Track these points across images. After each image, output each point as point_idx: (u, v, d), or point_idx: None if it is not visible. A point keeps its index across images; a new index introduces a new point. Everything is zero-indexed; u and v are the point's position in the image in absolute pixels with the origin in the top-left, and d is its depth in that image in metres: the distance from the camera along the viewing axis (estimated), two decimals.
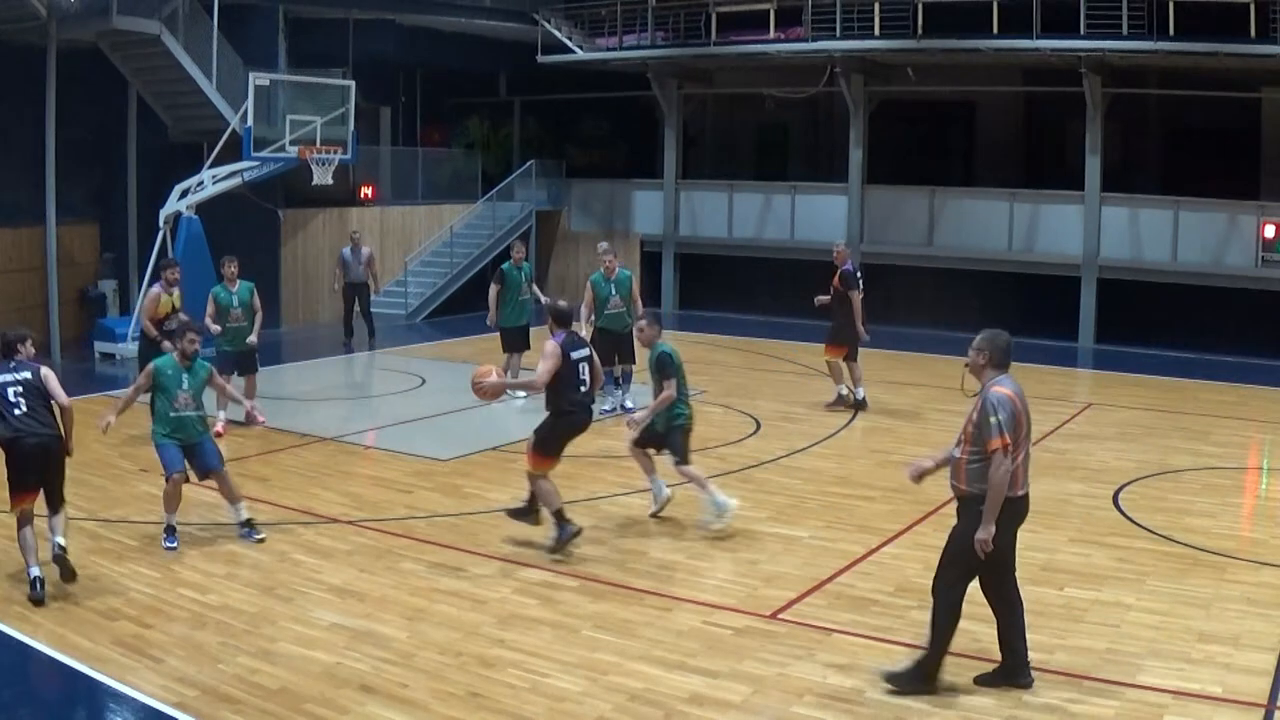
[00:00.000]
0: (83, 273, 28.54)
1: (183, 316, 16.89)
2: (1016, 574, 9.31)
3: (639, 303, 19.77)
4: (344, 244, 27.50)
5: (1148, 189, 28.63)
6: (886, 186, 31.56)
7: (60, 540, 11.46)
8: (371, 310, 27.22)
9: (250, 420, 14.72)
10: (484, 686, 9.37)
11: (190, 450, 13.02)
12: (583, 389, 12.95)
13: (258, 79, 25.08)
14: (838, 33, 29.41)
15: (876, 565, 12.31)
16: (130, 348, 24.38)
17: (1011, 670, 9.29)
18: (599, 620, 10.79)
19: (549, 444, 12.84)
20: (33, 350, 12.03)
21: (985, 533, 8.86)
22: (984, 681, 9.29)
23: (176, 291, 18.17)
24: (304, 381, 23.27)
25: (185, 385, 13.01)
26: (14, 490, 11.52)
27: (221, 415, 18.12)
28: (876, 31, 29.00)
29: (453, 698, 9.17)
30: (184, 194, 25.19)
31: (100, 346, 25.46)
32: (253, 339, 18.51)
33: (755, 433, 18.62)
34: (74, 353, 25.68)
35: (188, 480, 13.01)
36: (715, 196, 34.28)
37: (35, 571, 11.25)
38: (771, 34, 30.75)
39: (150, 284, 20.09)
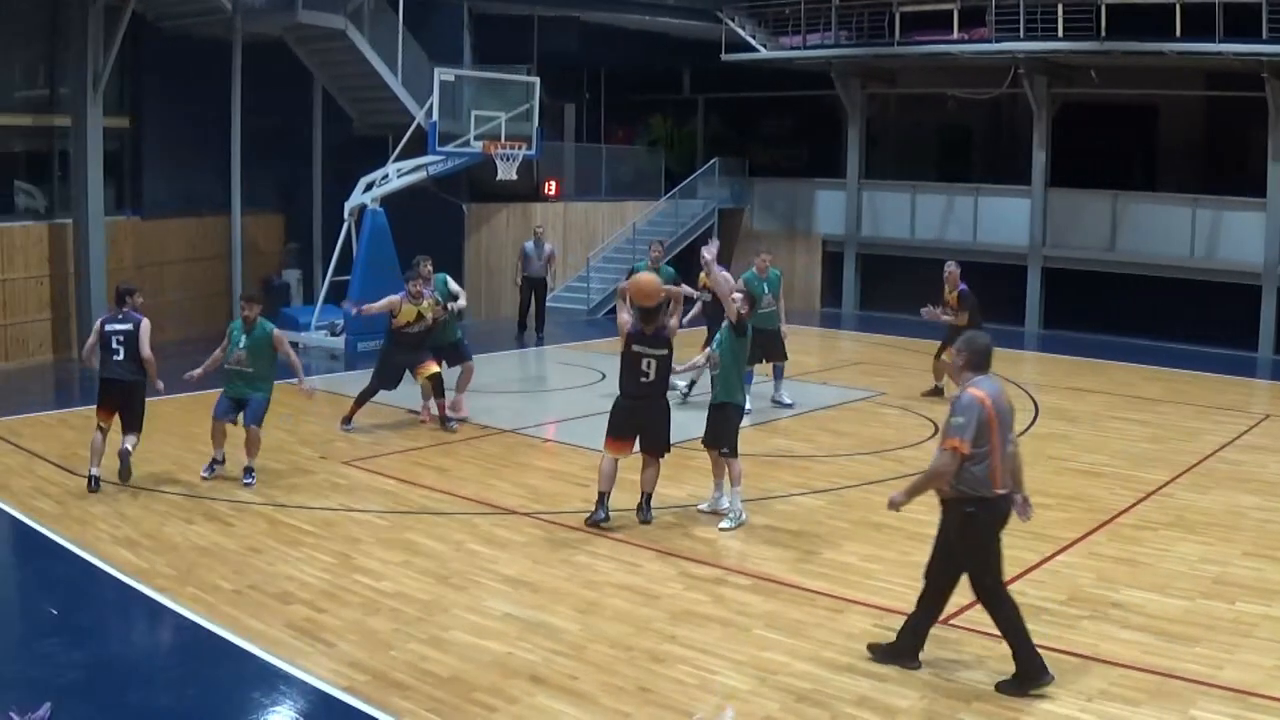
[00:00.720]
0: (267, 262, 29.08)
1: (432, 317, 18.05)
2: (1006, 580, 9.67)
3: (782, 302, 19.84)
4: (527, 238, 27.66)
5: None
6: (1069, 190, 30.96)
7: (129, 445, 14.28)
8: (546, 306, 27.37)
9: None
10: (653, 682, 9.29)
11: (241, 404, 14.82)
12: (643, 379, 13.41)
13: (443, 74, 25.22)
14: (1021, 33, 28.92)
15: (1049, 574, 12.00)
16: (313, 337, 24.81)
17: (902, 651, 9.66)
18: (770, 619, 10.66)
19: (610, 426, 13.58)
20: (140, 300, 14.76)
21: (901, 495, 9.57)
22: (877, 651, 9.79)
23: (426, 300, 17.92)
24: (484, 374, 23.31)
25: (241, 345, 14.77)
26: (98, 409, 14.41)
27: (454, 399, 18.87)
28: (1060, 33, 28.46)
29: (622, 692, 9.10)
30: (369, 187, 25.45)
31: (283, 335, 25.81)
32: (459, 305, 19.00)
33: (933, 436, 18.31)
34: None
35: (234, 423, 14.87)
36: (898, 197, 33.94)
37: (94, 472, 14.24)
38: (955, 34, 30.38)
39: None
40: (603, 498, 13.33)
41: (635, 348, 13.32)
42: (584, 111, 37.28)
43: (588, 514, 13.38)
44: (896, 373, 23.92)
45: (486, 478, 15.43)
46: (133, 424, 14.40)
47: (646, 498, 13.69)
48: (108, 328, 14.26)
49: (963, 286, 20.51)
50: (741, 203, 36.43)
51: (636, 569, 11.99)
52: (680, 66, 38.86)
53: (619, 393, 13.58)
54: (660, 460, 13.70)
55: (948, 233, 32.73)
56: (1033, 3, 28.62)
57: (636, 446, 13.62)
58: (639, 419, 13.49)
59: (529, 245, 26.69)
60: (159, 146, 26.29)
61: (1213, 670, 9.51)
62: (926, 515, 13.79)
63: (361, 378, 18.89)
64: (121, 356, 14.17)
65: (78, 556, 12.10)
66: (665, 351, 13.40)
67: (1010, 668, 9.23)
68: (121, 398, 14.28)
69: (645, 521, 13.49)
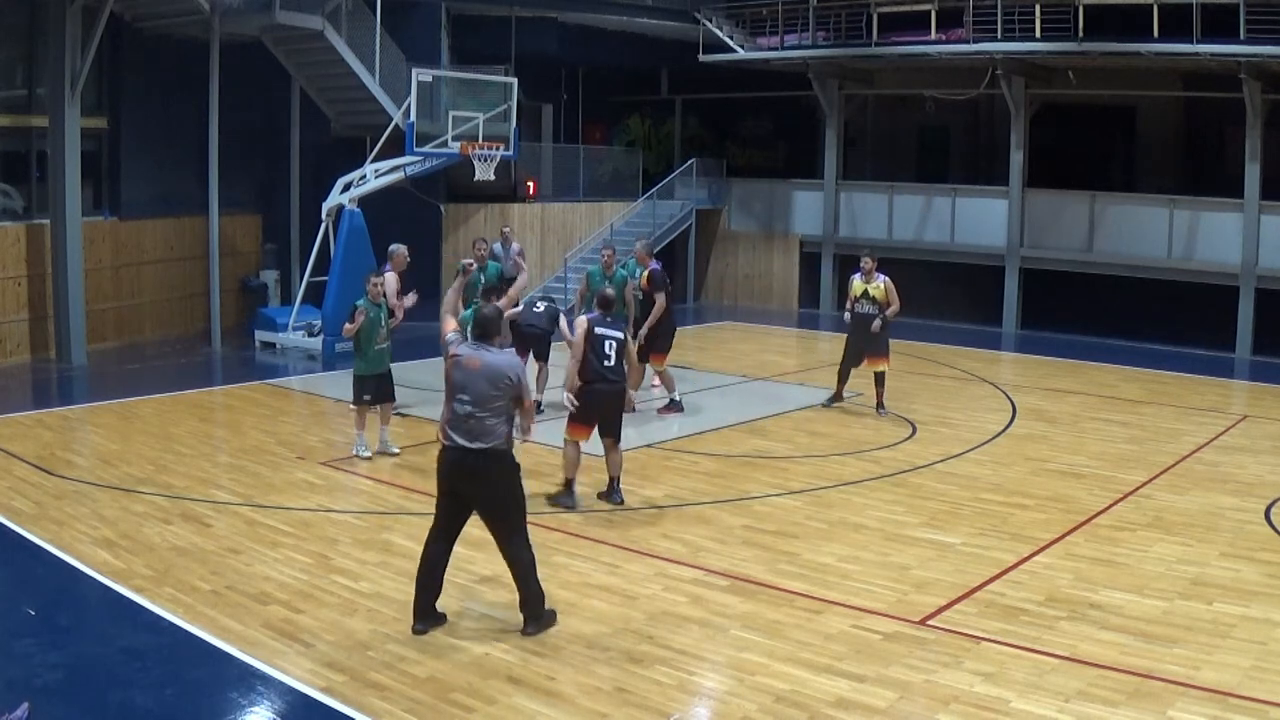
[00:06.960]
0: (245, 262, 29.04)
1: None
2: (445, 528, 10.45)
3: (631, 305, 19.57)
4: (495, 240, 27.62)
5: None
6: (1047, 190, 31.01)
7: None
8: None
9: None
10: (630, 682, 9.28)
11: None
12: (606, 363, 13.82)
13: (420, 75, 25.19)
14: (999, 34, 28.96)
15: (1028, 574, 12.02)
16: (290, 337, 24.83)
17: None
18: (748, 620, 10.66)
19: (579, 413, 13.90)
20: None
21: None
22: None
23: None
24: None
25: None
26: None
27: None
28: (1037, 33, 28.50)
29: (599, 692, 9.09)
30: (346, 187, 25.40)
31: (260, 335, 25.80)
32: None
33: (911, 437, 18.36)
34: (234, 341, 26.07)
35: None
36: (875, 198, 33.96)
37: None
38: (932, 35, 30.42)
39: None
40: (570, 483, 14.06)
41: (598, 330, 13.87)
42: (562, 112, 37.22)
43: (554, 497, 14.03)
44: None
45: None
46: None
47: (613, 481, 14.28)
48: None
49: (654, 265, 20.33)
50: (719, 203, 36.40)
51: (614, 569, 11.98)
52: (658, 67, 38.82)
53: (585, 380, 13.87)
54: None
55: (926, 234, 32.76)
56: (1010, 3, 28.67)
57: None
58: (601, 400, 13.96)
59: (496, 246, 26.57)
60: (137, 147, 26.18)
61: (1191, 671, 9.53)
62: (906, 517, 13.97)
63: (339, 378, 18.86)
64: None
65: (55, 557, 12.05)
66: (623, 336, 14.09)
67: None
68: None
69: (618, 503, 14.09)
